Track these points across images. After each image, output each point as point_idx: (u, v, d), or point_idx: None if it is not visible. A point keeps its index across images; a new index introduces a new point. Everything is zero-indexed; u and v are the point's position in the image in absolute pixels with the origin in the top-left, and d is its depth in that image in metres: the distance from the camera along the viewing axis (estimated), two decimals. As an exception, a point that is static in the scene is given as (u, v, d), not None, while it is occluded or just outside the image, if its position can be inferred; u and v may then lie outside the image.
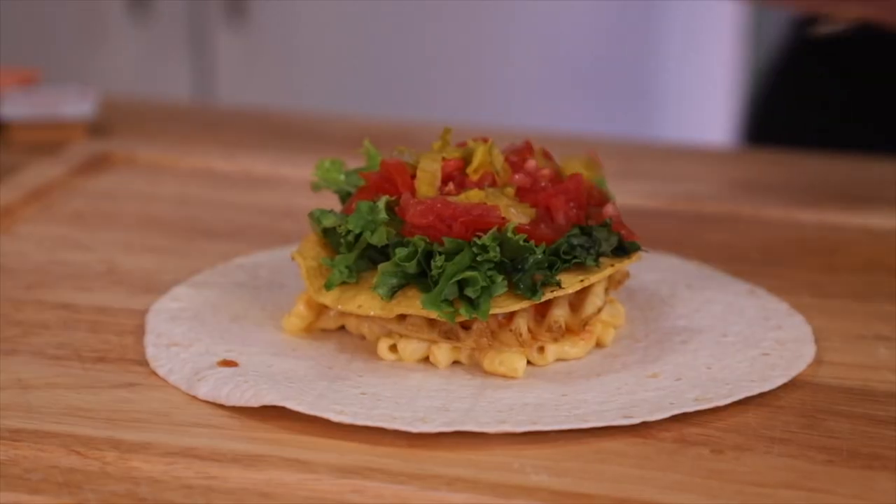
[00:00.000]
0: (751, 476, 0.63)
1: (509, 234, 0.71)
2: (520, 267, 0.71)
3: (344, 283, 0.74)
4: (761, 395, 0.71)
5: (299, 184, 0.93)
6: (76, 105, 1.16)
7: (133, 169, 1.07)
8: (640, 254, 0.76)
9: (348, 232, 0.73)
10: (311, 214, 0.76)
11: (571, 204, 0.74)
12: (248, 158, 1.09)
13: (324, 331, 0.77)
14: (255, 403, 0.68)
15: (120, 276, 0.86)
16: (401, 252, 0.71)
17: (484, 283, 0.70)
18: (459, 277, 0.70)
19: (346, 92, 2.32)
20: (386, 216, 0.73)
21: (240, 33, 2.32)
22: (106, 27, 2.36)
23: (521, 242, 0.71)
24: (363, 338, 0.76)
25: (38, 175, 1.02)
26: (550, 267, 0.72)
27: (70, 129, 1.15)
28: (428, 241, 0.71)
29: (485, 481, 0.63)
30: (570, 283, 0.72)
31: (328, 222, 0.75)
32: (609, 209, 0.76)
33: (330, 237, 0.76)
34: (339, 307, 0.74)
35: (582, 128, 1.49)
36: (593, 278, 0.73)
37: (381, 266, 0.72)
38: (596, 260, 0.73)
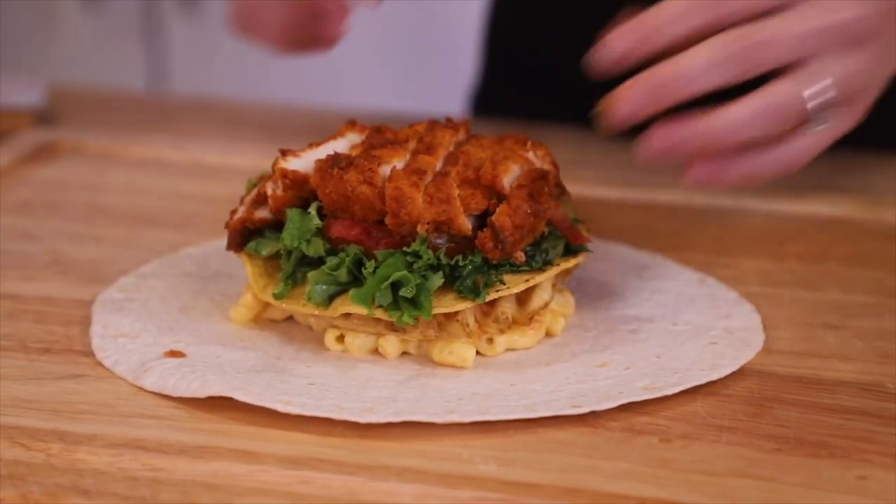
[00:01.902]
0: (699, 464, 0.64)
1: (418, 248, 0.70)
2: (458, 274, 0.71)
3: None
4: (710, 383, 0.71)
5: (249, 173, 0.92)
6: (24, 94, 1.15)
7: (81, 158, 1.06)
8: (586, 253, 0.76)
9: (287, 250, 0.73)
10: (246, 250, 0.76)
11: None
12: (197, 148, 1.08)
13: (272, 321, 0.77)
14: (201, 394, 0.67)
15: (66, 266, 0.85)
16: (331, 261, 0.71)
17: (418, 281, 0.69)
18: (392, 279, 0.69)
19: (299, 79, 2.31)
20: (319, 222, 0.73)
21: (193, 21, 2.31)
22: (58, 15, 2.34)
23: (441, 258, 0.71)
24: (311, 328, 0.75)
25: (-17, 164, 1.01)
26: (495, 267, 0.71)
27: (17, 118, 1.14)
28: (361, 249, 0.71)
29: (434, 471, 0.63)
30: (515, 282, 0.72)
31: (267, 250, 0.75)
32: (556, 214, 0.75)
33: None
34: (284, 306, 0.74)
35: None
36: (538, 278, 0.73)
37: (310, 274, 0.72)
38: (543, 265, 0.73)
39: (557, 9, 1.19)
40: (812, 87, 0.75)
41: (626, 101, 0.73)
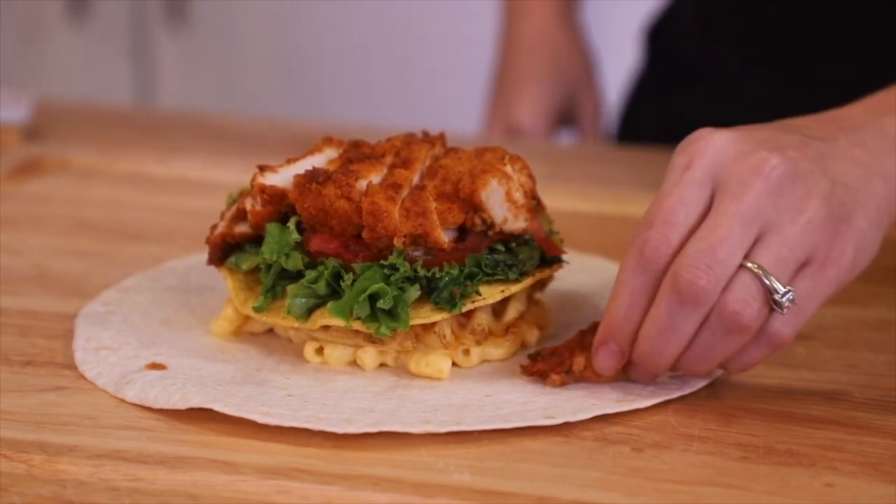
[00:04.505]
0: (669, 473, 0.65)
1: (395, 260, 0.72)
2: (434, 286, 0.72)
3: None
4: (682, 395, 0.72)
5: (231, 187, 0.93)
6: (10, 110, 1.16)
7: (66, 173, 1.08)
8: (561, 264, 0.78)
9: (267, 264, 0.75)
10: (226, 265, 0.77)
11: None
12: (181, 163, 1.09)
13: (252, 333, 0.78)
14: (182, 406, 0.69)
15: (50, 280, 0.86)
16: (310, 275, 0.72)
17: (395, 293, 0.71)
18: (370, 292, 0.71)
19: (285, 94, 2.32)
20: (298, 236, 0.74)
21: (180, 35, 2.32)
22: (46, 29, 2.35)
23: (418, 270, 0.72)
24: (291, 341, 0.77)
25: (-31, 180, 1.02)
26: (471, 277, 0.73)
27: (4, 134, 1.15)
28: (340, 262, 0.72)
29: (409, 481, 0.64)
30: (491, 293, 0.73)
31: (247, 264, 0.77)
32: (531, 225, 0.77)
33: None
34: (264, 319, 0.75)
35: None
36: (514, 289, 0.74)
37: (289, 288, 0.73)
38: (519, 276, 0.74)
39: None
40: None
41: (600, 361, 0.72)
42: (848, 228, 0.70)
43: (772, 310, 0.69)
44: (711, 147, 0.70)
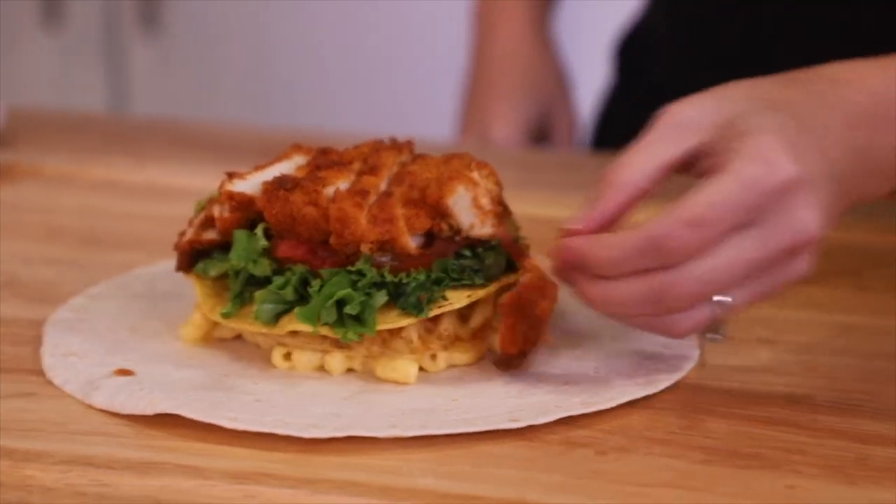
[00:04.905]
0: (632, 476, 0.66)
1: (362, 266, 0.72)
2: (402, 292, 0.73)
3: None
4: (646, 397, 0.73)
5: (202, 194, 0.94)
6: (-18, 117, 1.16)
7: (38, 180, 1.08)
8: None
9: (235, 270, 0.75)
10: (195, 271, 0.78)
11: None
12: (151, 169, 1.10)
13: (221, 339, 0.78)
14: (149, 411, 0.69)
15: (19, 287, 0.87)
16: (277, 281, 0.73)
17: (362, 299, 0.71)
18: (337, 297, 0.71)
19: (259, 99, 2.32)
20: (266, 243, 0.75)
21: (153, 40, 2.32)
22: (18, 35, 2.35)
23: (385, 276, 0.73)
24: (259, 346, 0.77)
25: (-61, 187, 1.03)
26: (438, 283, 0.74)
27: (-24, 141, 1.15)
28: (307, 268, 0.73)
29: (374, 484, 0.64)
30: (457, 298, 0.74)
31: (216, 271, 0.77)
32: (498, 230, 0.77)
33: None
34: (233, 325, 0.76)
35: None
36: (480, 294, 0.75)
37: (257, 294, 0.74)
38: (485, 281, 0.75)
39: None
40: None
41: (556, 268, 0.74)
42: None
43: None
44: (782, 180, 0.69)
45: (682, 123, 0.73)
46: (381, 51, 2.27)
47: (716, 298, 0.70)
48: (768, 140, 0.70)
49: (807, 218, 0.70)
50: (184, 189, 1.06)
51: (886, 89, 0.76)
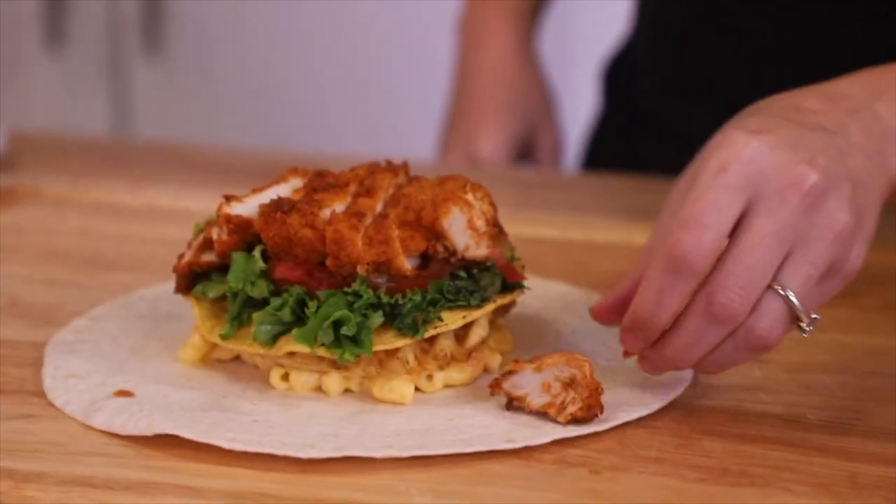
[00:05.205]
0: (626, 494, 0.66)
1: (359, 287, 0.73)
2: (398, 312, 0.74)
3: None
4: (640, 417, 0.74)
5: (201, 216, 0.95)
6: (-16, 140, 1.17)
7: (38, 203, 1.09)
8: (523, 290, 0.79)
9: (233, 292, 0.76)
10: (193, 293, 0.79)
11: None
12: (152, 191, 1.11)
13: (219, 360, 0.79)
14: (149, 432, 0.70)
15: (21, 309, 0.87)
16: (275, 302, 0.74)
17: (358, 320, 0.72)
18: (333, 318, 0.72)
19: (260, 122, 2.34)
20: (263, 265, 0.75)
21: (156, 64, 2.33)
22: (22, 57, 2.36)
23: (381, 297, 0.73)
24: (257, 367, 0.78)
25: (-58, 210, 1.04)
26: (433, 304, 0.74)
27: (-22, 164, 1.16)
28: (304, 290, 0.74)
29: (372, 504, 0.65)
30: (453, 319, 0.75)
31: (214, 293, 0.78)
32: (493, 252, 0.78)
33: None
34: (231, 346, 0.76)
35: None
36: (475, 314, 0.76)
37: (255, 315, 0.75)
38: (480, 302, 0.76)
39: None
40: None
41: (626, 343, 0.75)
42: (863, 231, 0.73)
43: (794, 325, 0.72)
44: (748, 153, 0.71)
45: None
46: (381, 74, 2.28)
47: (776, 288, 0.70)
48: (726, 129, 0.72)
49: (804, 172, 0.71)
50: (184, 211, 1.07)
51: None
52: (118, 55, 2.36)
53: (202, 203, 1.06)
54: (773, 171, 0.71)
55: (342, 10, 2.26)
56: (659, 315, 0.72)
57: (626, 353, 0.76)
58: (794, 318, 0.71)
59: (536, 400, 0.73)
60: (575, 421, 0.72)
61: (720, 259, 0.71)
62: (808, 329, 0.71)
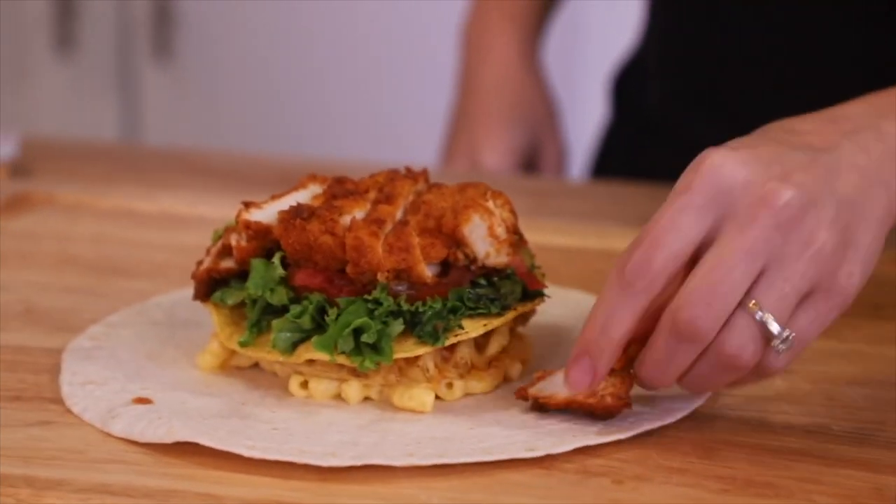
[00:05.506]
0: (649, 505, 0.66)
1: (379, 295, 0.73)
2: (418, 320, 0.73)
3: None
4: (663, 427, 0.73)
5: (218, 223, 0.94)
6: (-3, 146, 1.17)
7: (52, 209, 1.08)
8: (543, 298, 0.79)
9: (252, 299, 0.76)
10: (212, 300, 0.78)
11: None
12: (167, 198, 1.10)
13: (238, 368, 0.79)
14: (168, 440, 0.69)
15: (37, 315, 0.87)
16: (294, 309, 0.73)
17: (379, 327, 0.72)
18: (354, 326, 0.72)
19: (271, 128, 2.34)
20: (283, 271, 0.75)
21: (166, 70, 2.33)
22: (32, 64, 2.36)
23: (401, 304, 0.73)
24: (276, 374, 0.77)
25: (-44, 216, 1.03)
26: (454, 311, 0.74)
27: (-9, 170, 1.16)
28: (324, 297, 0.74)
29: (392, 513, 0.65)
30: (473, 327, 0.74)
31: (233, 299, 0.77)
32: (513, 259, 0.78)
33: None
34: (250, 353, 0.76)
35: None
36: (496, 322, 0.75)
37: (274, 323, 0.74)
38: (501, 310, 0.75)
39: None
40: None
41: (571, 377, 0.72)
42: (854, 250, 0.71)
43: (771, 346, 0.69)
44: (716, 171, 0.69)
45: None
46: (389, 79, 2.28)
47: (748, 306, 0.68)
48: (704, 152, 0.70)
49: (776, 188, 0.68)
50: (199, 218, 1.06)
51: None
52: (128, 60, 2.36)
53: (218, 210, 1.06)
54: (742, 188, 0.69)
55: (350, 16, 2.26)
56: (607, 332, 0.70)
57: (560, 397, 0.72)
58: (767, 337, 0.69)
59: (563, 392, 0.72)
60: (603, 410, 0.71)
61: (688, 276, 0.69)
62: (781, 349, 0.69)
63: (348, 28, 2.27)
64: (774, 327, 0.69)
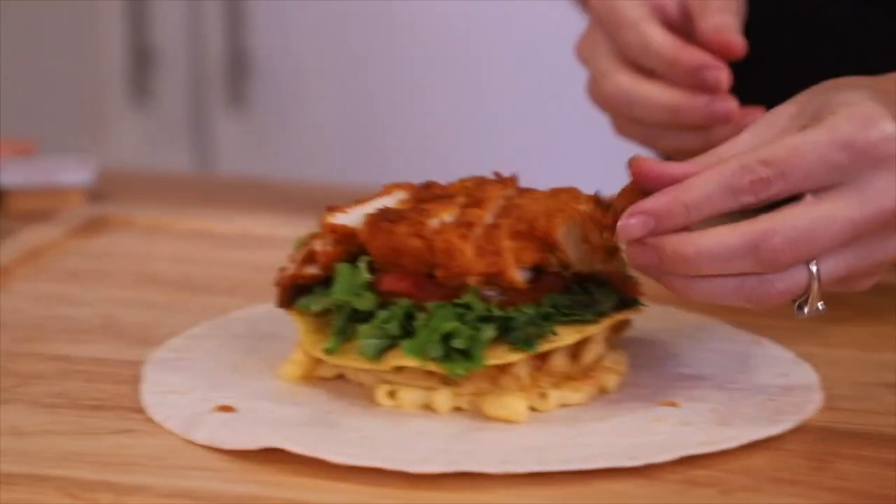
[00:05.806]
0: (761, 516, 0.62)
1: (469, 299, 0.70)
2: (510, 326, 0.70)
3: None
4: (769, 439, 0.69)
5: (293, 242, 0.93)
6: (75, 173, 1.16)
7: (130, 231, 1.07)
8: (639, 308, 0.75)
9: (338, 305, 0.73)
10: (296, 306, 0.76)
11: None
12: (246, 220, 1.09)
13: (322, 379, 0.76)
14: (253, 446, 0.67)
15: (116, 329, 0.85)
16: (381, 315, 0.71)
17: (470, 333, 0.69)
18: (444, 331, 0.69)
19: (346, 176, 2.33)
20: (369, 276, 0.72)
21: (240, 119, 2.34)
22: (107, 114, 2.38)
23: (492, 310, 0.70)
24: (361, 384, 0.75)
25: (34, 236, 1.02)
26: (547, 318, 0.71)
27: (68, 196, 1.15)
28: (412, 302, 0.71)
29: (488, 522, 0.62)
30: (568, 334, 0.71)
31: (318, 306, 0.75)
32: (608, 267, 0.75)
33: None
34: (336, 361, 0.73)
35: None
36: (590, 330, 0.72)
37: (361, 329, 0.71)
38: (596, 318, 0.72)
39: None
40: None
41: (635, 258, 0.70)
42: None
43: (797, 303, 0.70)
44: (880, 151, 0.68)
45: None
46: (456, 118, 2.27)
47: (811, 267, 0.68)
48: (867, 103, 0.68)
49: None
50: (277, 238, 1.04)
51: None
52: (202, 111, 2.37)
53: (296, 230, 1.03)
54: (887, 184, 0.68)
55: (422, 60, 2.26)
56: (691, 215, 0.68)
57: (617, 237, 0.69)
58: (805, 299, 0.69)
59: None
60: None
61: (799, 205, 0.68)
62: (803, 314, 0.70)
63: (419, 72, 2.26)
64: (818, 302, 0.69)
